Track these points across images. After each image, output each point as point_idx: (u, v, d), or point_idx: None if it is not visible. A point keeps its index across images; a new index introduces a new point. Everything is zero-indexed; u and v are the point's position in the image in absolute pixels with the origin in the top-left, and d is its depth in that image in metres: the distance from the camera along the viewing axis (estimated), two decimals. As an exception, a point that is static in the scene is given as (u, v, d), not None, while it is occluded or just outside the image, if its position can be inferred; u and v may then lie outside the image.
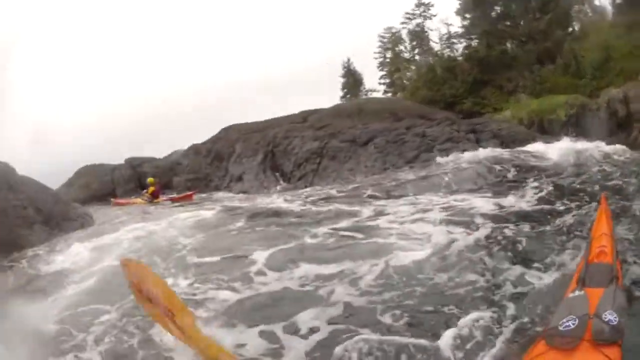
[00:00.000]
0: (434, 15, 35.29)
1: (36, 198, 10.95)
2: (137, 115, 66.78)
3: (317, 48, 76.40)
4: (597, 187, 8.27)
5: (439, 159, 14.10)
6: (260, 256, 5.74)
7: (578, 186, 8.73)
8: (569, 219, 6.32)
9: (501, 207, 7.46)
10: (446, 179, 10.58)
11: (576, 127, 21.40)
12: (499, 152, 13.58)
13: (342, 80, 40.72)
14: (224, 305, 4.58)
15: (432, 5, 35.53)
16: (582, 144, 13.82)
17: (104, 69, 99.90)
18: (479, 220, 6.71)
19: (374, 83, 40.59)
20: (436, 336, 3.39)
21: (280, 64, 74.61)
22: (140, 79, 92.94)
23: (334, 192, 11.82)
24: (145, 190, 19.16)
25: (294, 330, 3.83)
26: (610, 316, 2.31)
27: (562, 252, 4.88)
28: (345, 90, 40.15)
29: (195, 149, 25.49)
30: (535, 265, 4.64)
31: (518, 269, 4.58)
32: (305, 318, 3.97)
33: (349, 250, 5.69)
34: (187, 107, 69.25)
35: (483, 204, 7.70)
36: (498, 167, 11.12)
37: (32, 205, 10.62)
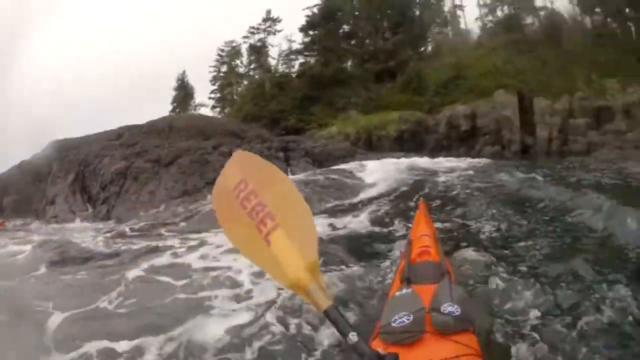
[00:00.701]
0: (279, 31, 34.65)
1: None
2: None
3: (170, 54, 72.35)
4: (416, 196, 8.60)
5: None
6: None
7: (393, 199, 8.95)
8: (391, 228, 6.39)
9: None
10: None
11: (410, 142, 22.35)
12: (310, 173, 13.36)
13: (174, 93, 39.47)
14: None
15: (279, 21, 34.76)
16: (407, 159, 14.79)
17: None
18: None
19: (206, 97, 39.64)
20: None
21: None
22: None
23: (127, 229, 10.44)
24: None
25: None
26: (450, 308, 2.28)
27: (386, 257, 4.95)
28: (175, 104, 39.24)
29: (21, 166, 22.80)
30: (360, 269, 4.57)
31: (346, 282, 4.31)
32: None
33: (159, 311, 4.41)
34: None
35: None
36: (306, 189, 10.39)
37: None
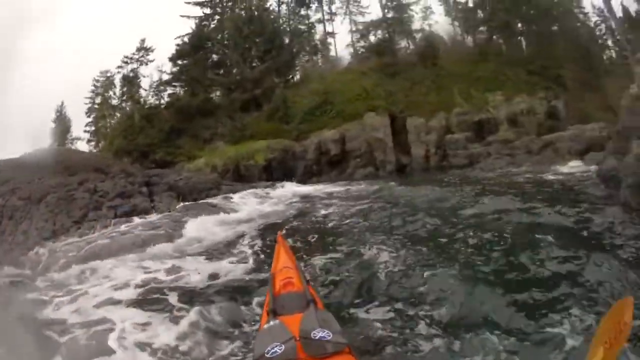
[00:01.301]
0: (151, 61, 33.04)
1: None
2: None
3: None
4: (279, 226, 8.77)
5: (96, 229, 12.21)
6: None
7: (259, 231, 8.98)
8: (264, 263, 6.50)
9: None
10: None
11: (279, 170, 22.18)
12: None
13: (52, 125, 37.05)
14: None
15: (152, 50, 33.12)
16: (272, 190, 15.46)
17: None
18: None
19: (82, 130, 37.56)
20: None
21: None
22: None
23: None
24: None
25: None
26: (321, 333, 2.45)
27: (252, 292, 5.18)
28: (54, 137, 36.08)
29: None
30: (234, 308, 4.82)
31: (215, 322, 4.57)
32: None
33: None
34: None
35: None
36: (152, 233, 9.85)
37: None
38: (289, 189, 15.73)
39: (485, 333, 3.61)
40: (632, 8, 28.53)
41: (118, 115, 34.30)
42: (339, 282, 5.17)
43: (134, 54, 33.24)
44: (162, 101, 31.42)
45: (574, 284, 4.41)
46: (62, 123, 37.07)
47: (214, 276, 6.33)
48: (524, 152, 19.06)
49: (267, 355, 2.35)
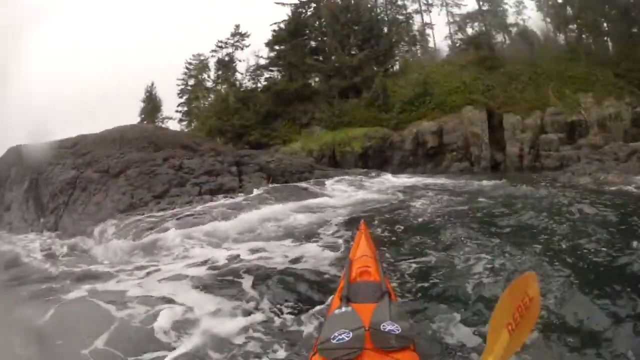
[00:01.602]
0: (247, 46, 33.37)
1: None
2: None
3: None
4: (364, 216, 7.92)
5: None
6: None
7: (346, 218, 8.73)
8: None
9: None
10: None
11: (375, 159, 22.20)
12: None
13: (142, 104, 37.55)
14: None
15: (248, 36, 33.52)
16: (367, 178, 14.93)
17: None
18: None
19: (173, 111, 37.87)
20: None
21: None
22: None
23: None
24: None
25: None
26: (391, 326, 2.43)
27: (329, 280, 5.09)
28: (143, 116, 37.54)
29: None
30: (302, 292, 4.81)
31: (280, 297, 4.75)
32: None
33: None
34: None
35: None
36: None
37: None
38: (384, 178, 15.54)
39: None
40: None
41: (212, 97, 34.51)
42: (419, 279, 5.00)
43: (228, 38, 33.56)
44: (259, 85, 31.39)
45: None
46: (152, 102, 37.68)
47: (293, 260, 6.23)
48: (612, 158, 18.49)
49: (334, 341, 2.35)
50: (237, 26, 33.40)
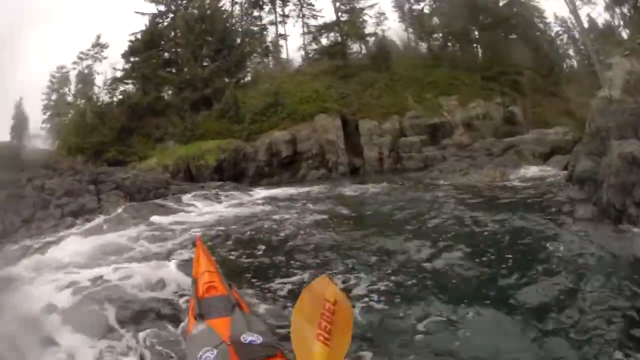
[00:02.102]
0: (105, 58, 33.19)
1: None
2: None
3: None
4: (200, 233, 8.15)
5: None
6: None
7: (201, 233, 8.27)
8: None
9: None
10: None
11: (230, 171, 22.16)
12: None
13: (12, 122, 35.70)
14: None
15: (107, 47, 33.24)
16: (223, 191, 14.96)
17: None
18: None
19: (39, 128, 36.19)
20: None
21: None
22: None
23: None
24: None
25: None
26: (251, 337, 2.45)
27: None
28: (13, 134, 35.06)
29: None
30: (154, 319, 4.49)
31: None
32: None
33: None
34: None
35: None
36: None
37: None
38: (240, 192, 15.48)
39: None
40: (599, 20, 29.81)
41: (71, 112, 33.12)
42: (268, 286, 5.11)
43: (89, 49, 33.16)
44: (115, 99, 30.62)
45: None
46: (20, 120, 35.95)
47: (149, 284, 5.87)
48: (485, 154, 19.10)
49: None
50: (99, 36, 33.09)
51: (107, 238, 8.93)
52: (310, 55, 33.47)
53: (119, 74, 31.38)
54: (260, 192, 15.63)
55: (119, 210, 12.10)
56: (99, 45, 33.14)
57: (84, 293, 5.66)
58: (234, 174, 21.77)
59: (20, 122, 35.74)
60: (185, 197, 13.77)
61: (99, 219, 11.58)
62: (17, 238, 11.19)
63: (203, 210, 12.02)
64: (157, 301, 5.11)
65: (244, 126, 24.86)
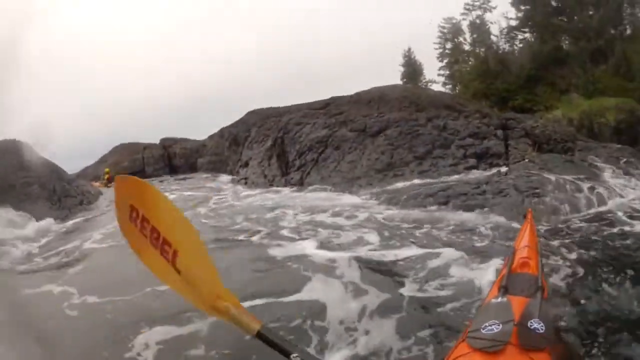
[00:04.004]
0: (494, 8, 33.58)
1: (42, 175, 12.30)
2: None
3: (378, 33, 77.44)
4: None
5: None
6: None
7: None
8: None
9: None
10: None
11: (626, 134, 20.14)
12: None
13: (402, 69, 39.25)
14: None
15: None
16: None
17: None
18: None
19: (434, 74, 39.27)
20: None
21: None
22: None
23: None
24: (103, 176, 21.59)
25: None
26: (537, 324, 2.29)
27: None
28: (405, 80, 37.62)
29: (220, 132, 25.46)
30: (458, 271, 4.96)
31: (441, 271, 4.96)
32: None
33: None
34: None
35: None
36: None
37: (38, 182, 11.99)
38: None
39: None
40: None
41: (472, 60, 34.78)
42: (577, 277, 4.72)
43: (474, 0, 33.96)
44: (515, 47, 31.28)
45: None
46: (413, 66, 38.63)
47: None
48: None
49: (483, 331, 2.27)
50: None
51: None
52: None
53: (512, 23, 31.41)
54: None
55: (527, 159, 12.25)
56: (484, -4, 33.20)
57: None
58: (628, 138, 19.15)
59: (413, 70, 38.42)
60: (590, 158, 12.78)
61: (503, 169, 11.64)
62: (403, 172, 12.45)
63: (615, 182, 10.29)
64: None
65: (635, 85, 23.19)
